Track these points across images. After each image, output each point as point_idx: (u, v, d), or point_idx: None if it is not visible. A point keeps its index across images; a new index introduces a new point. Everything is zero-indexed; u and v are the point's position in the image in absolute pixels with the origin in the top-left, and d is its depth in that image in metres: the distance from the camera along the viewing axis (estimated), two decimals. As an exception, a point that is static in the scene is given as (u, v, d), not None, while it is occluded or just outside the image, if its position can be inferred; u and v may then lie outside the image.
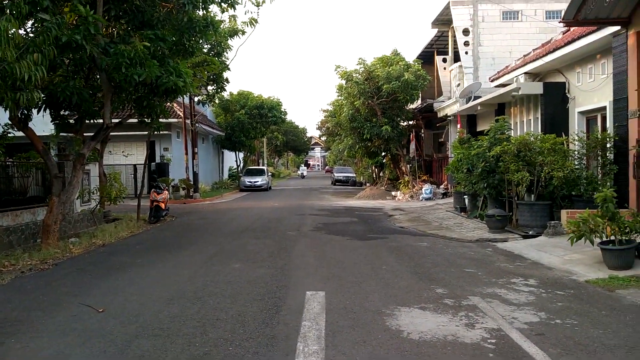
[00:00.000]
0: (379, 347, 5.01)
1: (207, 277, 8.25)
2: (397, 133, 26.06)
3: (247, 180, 34.87)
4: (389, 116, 26.07)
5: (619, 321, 5.73)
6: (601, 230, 7.98)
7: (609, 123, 12.25)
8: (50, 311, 6.44)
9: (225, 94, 32.48)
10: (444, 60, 27.38)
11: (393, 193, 26.72)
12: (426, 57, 29.14)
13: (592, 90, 13.40)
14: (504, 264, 9.01)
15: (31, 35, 8.98)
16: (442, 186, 25.20)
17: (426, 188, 23.72)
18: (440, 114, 26.17)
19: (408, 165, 27.68)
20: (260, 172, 36.69)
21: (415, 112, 28.69)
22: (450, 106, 24.46)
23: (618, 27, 11.26)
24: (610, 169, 11.37)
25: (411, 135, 28.07)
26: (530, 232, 11.49)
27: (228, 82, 24.17)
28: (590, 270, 8.02)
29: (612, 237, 7.96)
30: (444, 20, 25.56)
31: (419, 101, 28.71)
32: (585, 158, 12.59)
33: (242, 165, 41.39)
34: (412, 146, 27.38)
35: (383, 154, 29.73)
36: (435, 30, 27.13)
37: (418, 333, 5.37)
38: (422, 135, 30.67)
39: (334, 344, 5.08)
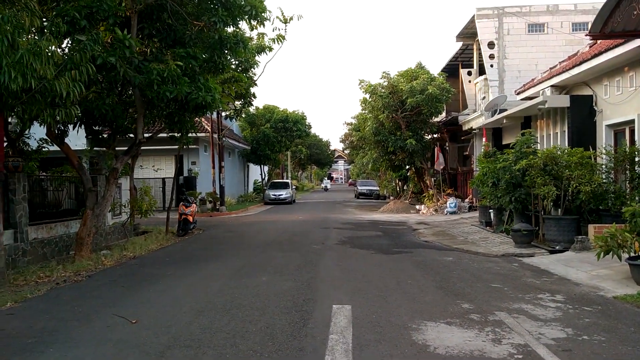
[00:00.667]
0: (405, 361, 5.09)
1: (236, 289, 8.43)
2: (421, 146, 26.07)
3: (272, 193, 35.22)
4: (413, 129, 26.11)
5: (647, 338, 5.69)
6: (629, 246, 7.90)
7: (638, 136, 12.09)
8: (85, 322, 6.69)
9: (252, 109, 33.03)
10: (469, 73, 27.31)
11: (417, 207, 26.64)
12: (451, 70, 29.14)
13: (620, 103, 13.25)
14: (530, 280, 8.97)
15: (68, 53, 9.40)
16: (466, 200, 25.03)
17: (451, 202, 23.60)
18: (465, 127, 26.07)
19: (432, 179, 27.59)
20: (285, 186, 37.01)
21: (439, 125, 28.67)
22: (475, 119, 24.36)
23: (647, 39, 11.18)
24: (639, 183, 11.19)
25: (436, 149, 28.00)
26: (557, 247, 11.38)
27: (255, 97, 24.62)
28: (618, 286, 7.94)
29: (641, 253, 7.87)
30: (468, 34, 25.58)
31: (444, 114, 28.67)
32: (613, 172, 12.43)
33: (266, 178, 41.81)
34: (440, 159, 27.30)
35: (407, 167, 29.71)
36: (460, 44, 27.16)
37: (444, 348, 5.42)
38: (447, 148, 30.57)
39: (362, 357, 5.17)
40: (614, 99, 13.58)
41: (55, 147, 12.76)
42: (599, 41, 14.39)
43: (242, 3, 11.91)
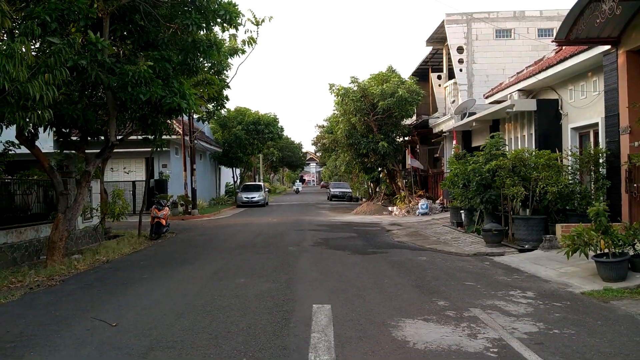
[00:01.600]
0: (387, 356, 5.24)
1: (215, 291, 8.45)
2: (393, 149, 26.44)
3: (244, 196, 35.11)
4: (385, 132, 26.46)
5: (613, 330, 5.99)
6: (595, 244, 8.26)
7: (601, 139, 12.61)
8: (64, 325, 6.62)
9: (224, 111, 32.85)
10: (439, 77, 27.84)
11: (389, 208, 26.98)
12: (421, 74, 29.62)
13: (584, 107, 13.79)
14: (502, 277, 9.26)
15: (41, 56, 9.23)
16: (437, 201, 25.49)
17: (422, 203, 24.00)
18: (436, 130, 26.57)
19: (404, 181, 28.00)
20: (257, 188, 36.93)
21: (410, 127, 29.12)
22: (445, 122, 24.85)
23: (608, 47, 11.66)
24: (603, 184, 11.71)
25: (407, 151, 28.45)
26: (526, 246, 11.77)
27: (228, 99, 24.48)
28: (585, 283, 8.29)
29: (606, 250, 8.24)
30: (438, 38, 26.08)
31: (415, 117, 29.13)
32: (578, 173, 12.93)
33: (239, 181, 41.60)
34: (414, 161, 27.74)
35: (379, 169, 30.07)
36: (430, 48, 27.65)
37: (423, 343, 5.59)
38: (418, 150, 31.08)
39: (344, 354, 5.30)
40: (578, 103, 14.12)
41: (21, 150, 12.49)
42: (564, 47, 14.94)
43: (216, 7, 11.91)
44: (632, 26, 10.72)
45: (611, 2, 9.51)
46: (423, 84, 28.54)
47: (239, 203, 34.74)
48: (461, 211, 16.39)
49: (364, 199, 37.11)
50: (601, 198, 11.42)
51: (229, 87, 22.09)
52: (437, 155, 27.58)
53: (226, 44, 18.01)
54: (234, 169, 40.02)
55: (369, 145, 26.06)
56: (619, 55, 11.32)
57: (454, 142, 22.88)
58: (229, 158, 36.89)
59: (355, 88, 26.58)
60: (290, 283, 9.03)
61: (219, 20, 12.12)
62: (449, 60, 24.91)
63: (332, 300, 7.59)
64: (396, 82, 25.74)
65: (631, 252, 8.38)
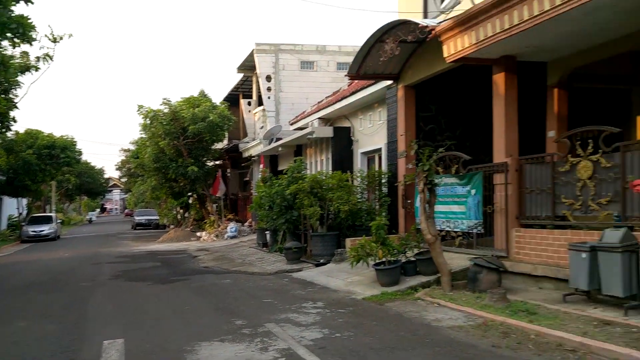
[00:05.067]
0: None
1: (-17, 338, 7.23)
2: (203, 173, 26.14)
3: (32, 229, 30.81)
4: (195, 156, 26.06)
5: (384, 329, 6.75)
6: (375, 254, 9.21)
7: (384, 162, 14.24)
8: None
9: (10, 134, 28.76)
10: (249, 104, 28.56)
11: (198, 234, 26.49)
12: (233, 100, 30.04)
13: (371, 134, 15.44)
14: (297, 291, 9.75)
15: None
16: (246, 224, 25.86)
17: (231, 227, 24.11)
18: (246, 154, 27.12)
19: (214, 205, 27.82)
20: (47, 220, 32.78)
21: (222, 152, 29.20)
22: (254, 147, 25.52)
23: (391, 82, 13.22)
24: (385, 201, 13.22)
25: (217, 175, 28.41)
26: (322, 261, 12.63)
27: (15, 121, 21.49)
28: (367, 289, 9.15)
29: (384, 259, 9.26)
30: (248, 66, 26.78)
31: (226, 141, 29.33)
32: (366, 192, 14.38)
33: (25, 212, 36.61)
34: (221, 185, 27.74)
35: (189, 194, 29.39)
36: (241, 75, 28.22)
37: (215, 363, 5.56)
38: (229, 174, 31.30)
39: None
40: (367, 130, 15.76)
41: None
42: (355, 81, 16.61)
43: (6, 20, 10.55)
44: (409, 65, 12.35)
45: (392, 43, 10.86)
46: (234, 109, 28.95)
47: (25, 238, 30.32)
48: (267, 232, 16.88)
49: (172, 226, 35.69)
50: (383, 214, 12.82)
51: (17, 107, 19.54)
52: (247, 178, 28.11)
53: (17, 61, 15.99)
54: (20, 199, 35.09)
55: (178, 170, 25.35)
56: (398, 89, 12.91)
57: (262, 166, 23.57)
58: (13, 187, 32.16)
59: (166, 110, 25.73)
60: (79, 322, 8.19)
61: (9, 34, 10.75)
62: (259, 87, 25.75)
63: (127, 334, 7.09)
64: (208, 107, 25.66)
65: (403, 259, 9.52)
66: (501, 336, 6.12)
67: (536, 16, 7.58)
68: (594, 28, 8.02)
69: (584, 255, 6.72)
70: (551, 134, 10.23)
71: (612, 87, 11.21)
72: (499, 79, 9.57)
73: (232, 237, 23.26)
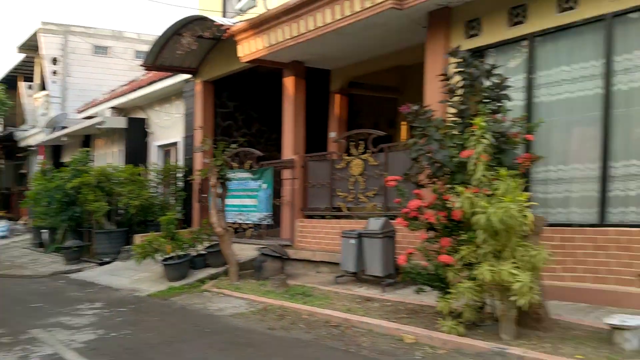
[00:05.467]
0: None
1: None
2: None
3: None
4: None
5: (166, 323, 6.59)
6: (163, 249, 8.94)
7: (181, 156, 13.93)
8: None
9: None
10: (30, 87, 25.32)
11: (-44, 235, 22.45)
12: (10, 82, 26.24)
13: (168, 127, 14.95)
14: (74, 293, 8.98)
15: None
16: (20, 222, 22.86)
17: (1, 225, 21.03)
18: (23, 144, 24.05)
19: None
20: None
21: (-6, 140, 25.31)
22: (34, 136, 22.78)
23: (190, 76, 12.95)
24: (180, 195, 12.97)
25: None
26: (107, 259, 11.81)
27: None
28: (153, 285, 8.86)
29: (173, 254, 9.04)
30: (32, 46, 23.62)
31: (1, 129, 25.57)
32: (162, 186, 13.87)
33: None
34: None
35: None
36: (23, 55, 24.82)
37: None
38: (2, 165, 27.38)
39: None
40: (163, 123, 15.23)
41: None
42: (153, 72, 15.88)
43: None
44: (207, 60, 12.29)
45: (189, 38, 10.70)
46: (13, 92, 25.36)
47: None
48: (43, 231, 15.15)
49: None
50: (178, 208, 12.55)
51: None
52: (24, 171, 24.95)
53: None
54: None
55: None
56: (196, 84, 12.75)
57: (42, 157, 21.11)
58: None
59: None
60: None
61: None
62: (43, 70, 22.98)
63: None
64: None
65: (194, 253, 9.42)
66: (277, 319, 6.45)
67: (320, 27, 8.24)
68: (370, 42, 8.98)
69: (352, 241, 7.53)
70: (332, 134, 11.19)
71: (384, 96, 12.68)
72: (289, 82, 10.15)
73: (2, 237, 20.27)
